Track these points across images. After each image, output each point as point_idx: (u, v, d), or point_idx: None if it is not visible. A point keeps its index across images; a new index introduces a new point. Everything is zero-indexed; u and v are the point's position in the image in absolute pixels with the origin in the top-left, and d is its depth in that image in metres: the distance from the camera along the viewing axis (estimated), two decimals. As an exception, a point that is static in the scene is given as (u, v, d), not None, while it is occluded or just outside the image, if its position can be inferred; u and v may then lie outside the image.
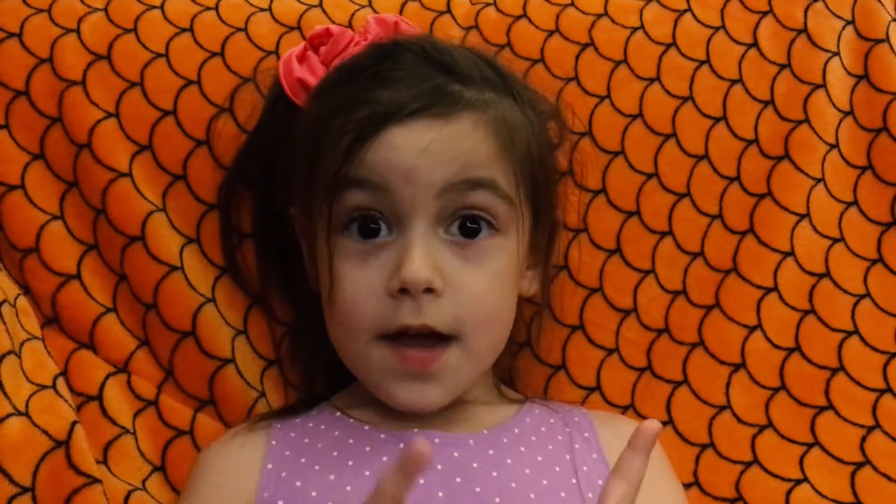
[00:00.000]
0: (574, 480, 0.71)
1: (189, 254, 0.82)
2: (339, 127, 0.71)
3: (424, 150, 0.69)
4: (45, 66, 0.83)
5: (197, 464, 0.76)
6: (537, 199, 0.76)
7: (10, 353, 0.71)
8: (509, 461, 0.71)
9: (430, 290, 0.69)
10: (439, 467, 0.70)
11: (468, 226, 0.71)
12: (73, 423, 0.70)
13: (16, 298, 0.76)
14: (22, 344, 0.74)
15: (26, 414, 0.69)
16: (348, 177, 0.70)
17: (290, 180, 0.78)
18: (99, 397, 0.78)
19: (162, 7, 0.86)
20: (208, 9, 0.87)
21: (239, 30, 0.87)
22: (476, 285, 0.71)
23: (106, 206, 0.82)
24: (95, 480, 0.69)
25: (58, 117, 0.82)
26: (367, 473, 0.69)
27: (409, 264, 0.69)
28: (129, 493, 0.75)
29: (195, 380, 0.81)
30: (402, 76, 0.72)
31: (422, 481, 0.68)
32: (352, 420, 0.75)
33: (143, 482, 0.77)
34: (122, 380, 0.80)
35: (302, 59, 0.81)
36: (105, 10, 0.85)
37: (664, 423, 0.82)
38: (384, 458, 0.70)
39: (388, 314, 0.70)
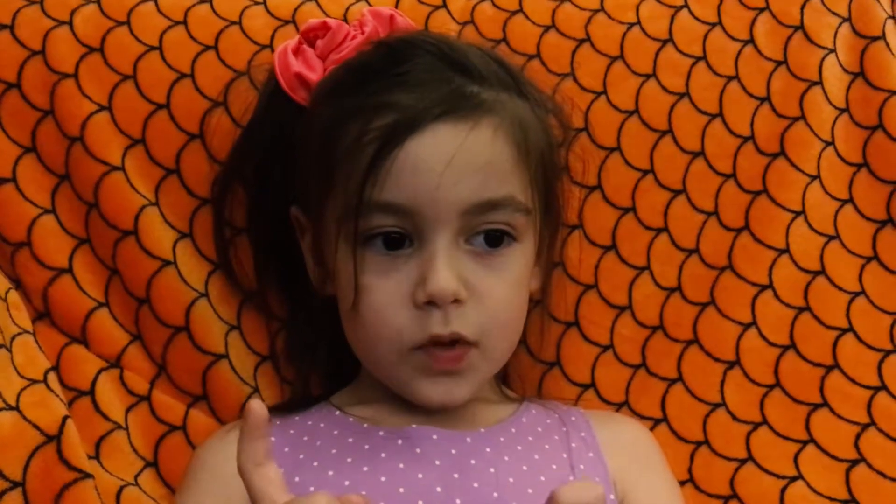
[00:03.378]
0: (571, 478, 0.71)
1: (182, 248, 0.82)
2: (358, 136, 0.70)
3: (449, 164, 0.69)
4: (38, 58, 0.82)
5: (194, 459, 0.76)
6: (547, 199, 0.77)
7: (0, 347, 0.71)
8: (506, 458, 0.71)
9: (456, 301, 0.70)
10: (437, 462, 0.69)
11: (490, 237, 0.72)
12: (65, 418, 0.69)
13: (7, 292, 0.76)
14: (13, 338, 0.73)
15: (17, 408, 0.69)
16: (373, 201, 0.70)
17: (295, 182, 0.78)
18: (91, 392, 0.78)
19: (155, 0, 0.86)
20: (202, 2, 0.87)
21: (233, 23, 0.86)
22: (498, 293, 0.72)
23: (98, 199, 0.81)
24: (87, 475, 0.68)
25: (50, 110, 0.82)
26: (365, 469, 0.69)
27: (434, 277, 0.69)
28: (122, 488, 0.74)
29: (188, 375, 0.81)
30: (422, 79, 0.71)
31: (420, 475, 0.68)
32: (351, 418, 0.75)
33: (136, 477, 0.76)
34: (114, 375, 0.79)
35: (297, 52, 0.80)
36: (98, 2, 0.85)
37: (659, 421, 0.83)
38: (382, 455, 0.70)
39: (417, 325, 0.70)
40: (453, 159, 0.69)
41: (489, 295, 0.71)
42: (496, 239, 0.72)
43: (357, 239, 0.71)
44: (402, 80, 0.71)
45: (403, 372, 0.72)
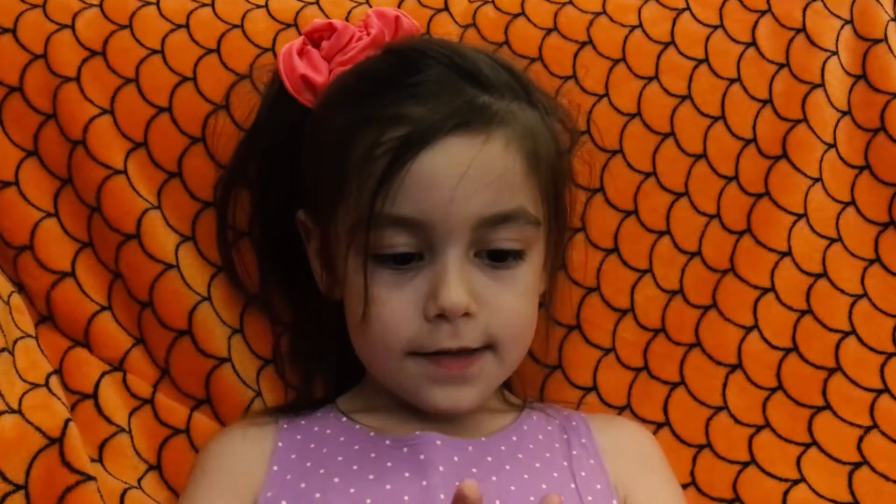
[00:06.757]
0: (573, 485, 0.71)
1: (184, 252, 0.82)
2: (370, 147, 0.70)
3: (462, 178, 0.69)
4: (40, 62, 0.82)
5: (201, 455, 0.76)
6: (557, 206, 0.77)
7: (3, 350, 0.71)
8: (508, 467, 0.71)
9: (466, 314, 0.70)
10: (441, 469, 0.70)
11: (497, 254, 0.72)
12: (67, 421, 0.69)
13: (9, 296, 0.76)
14: (15, 342, 0.73)
15: (19, 412, 0.68)
16: (385, 214, 0.69)
17: (300, 186, 0.77)
18: (94, 396, 0.78)
19: (157, 3, 0.86)
20: (204, 5, 0.87)
21: (235, 26, 0.86)
22: (508, 304, 0.72)
23: (101, 203, 0.81)
24: (89, 478, 0.68)
25: (52, 114, 0.82)
26: (370, 477, 0.69)
27: (446, 291, 0.69)
28: (125, 491, 0.74)
29: (191, 379, 0.81)
30: (433, 91, 0.71)
31: (424, 483, 0.68)
32: (357, 426, 0.75)
33: (139, 481, 0.76)
34: (117, 378, 0.79)
35: (301, 53, 0.79)
36: (100, 6, 0.85)
37: (661, 424, 0.83)
38: (388, 464, 0.70)
39: (426, 337, 0.71)
40: (467, 173, 0.69)
41: (500, 306, 0.71)
42: (503, 256, 0.72)
43: (368, 251, 0.70)
44: (414, 91, 0.71)
45: (410, 379, 0.72)
